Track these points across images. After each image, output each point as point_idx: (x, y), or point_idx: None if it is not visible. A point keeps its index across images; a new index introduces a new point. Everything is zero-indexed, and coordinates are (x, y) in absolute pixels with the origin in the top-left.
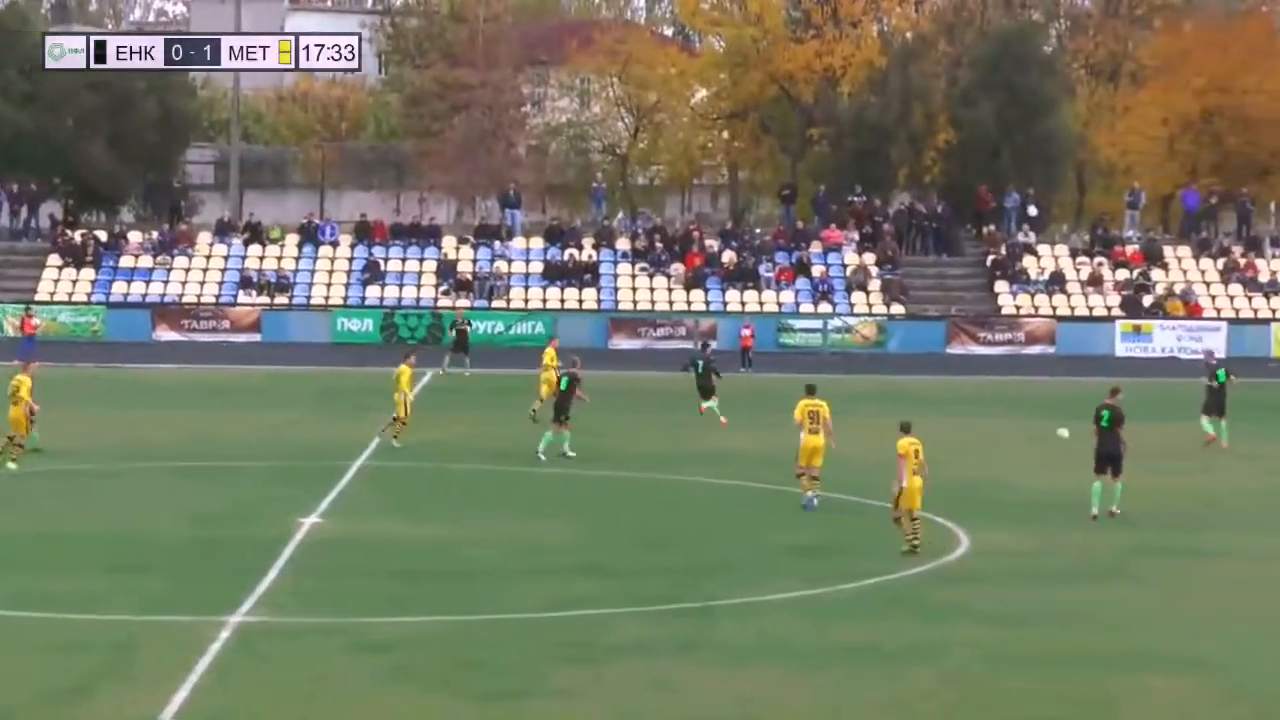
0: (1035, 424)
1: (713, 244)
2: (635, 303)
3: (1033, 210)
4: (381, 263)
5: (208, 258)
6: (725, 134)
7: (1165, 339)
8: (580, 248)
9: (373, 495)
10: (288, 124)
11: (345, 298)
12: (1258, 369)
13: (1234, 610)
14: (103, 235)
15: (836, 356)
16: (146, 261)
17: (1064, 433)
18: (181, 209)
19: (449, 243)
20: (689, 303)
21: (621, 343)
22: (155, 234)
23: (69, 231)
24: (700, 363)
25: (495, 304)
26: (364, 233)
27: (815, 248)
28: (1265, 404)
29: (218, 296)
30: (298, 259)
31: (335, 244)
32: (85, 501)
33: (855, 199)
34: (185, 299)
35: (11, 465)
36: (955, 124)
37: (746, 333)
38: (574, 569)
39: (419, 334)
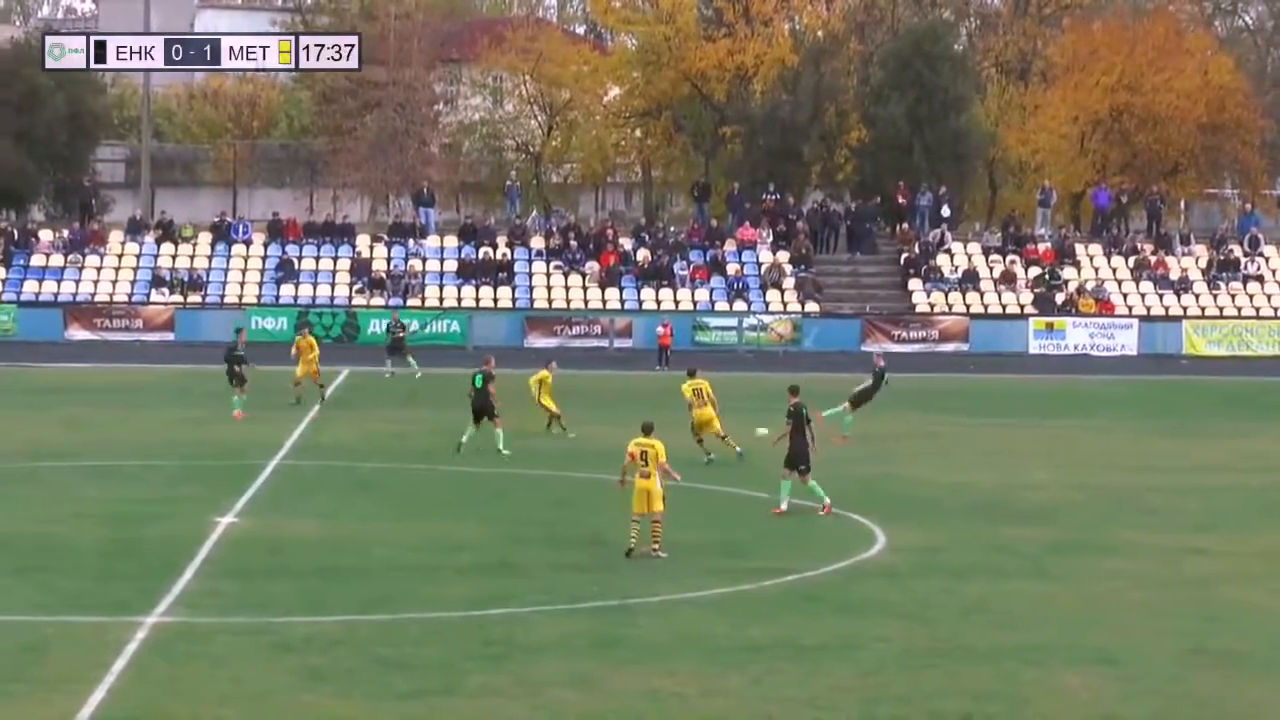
0: (948, 420)
1: (627, 242)
2: (550, 301)
3: (945, 210)
4: (295, 261)
5: (120, 256)
6: (638, 132)
7: (1078, 336)
8: (495, 246)
9: (289, 494)
10: (199, 121)
11: (259, 296)
12: (1171, 367)
13: (1142, 606)
14: (14, 234)
15: (752, 354)
16: (58, 260)
17: (762, 431)
18: (92, 207)
19: (363, 241)
20: (604, 301)
21: (537, 341)
22: (66, 232)
23: None
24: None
25: (410, 302)
26: (277, 231)
27: (730, 246)
28: (1179, 403)
29: (130, 295)
30: (210, 257)
31: (248, 242)
32: None
33: (768, 196)
34: (97, 298)
35: None
36: (867, 122)
37: (663, 330)
38: (490, 567)
39: (333, 332)
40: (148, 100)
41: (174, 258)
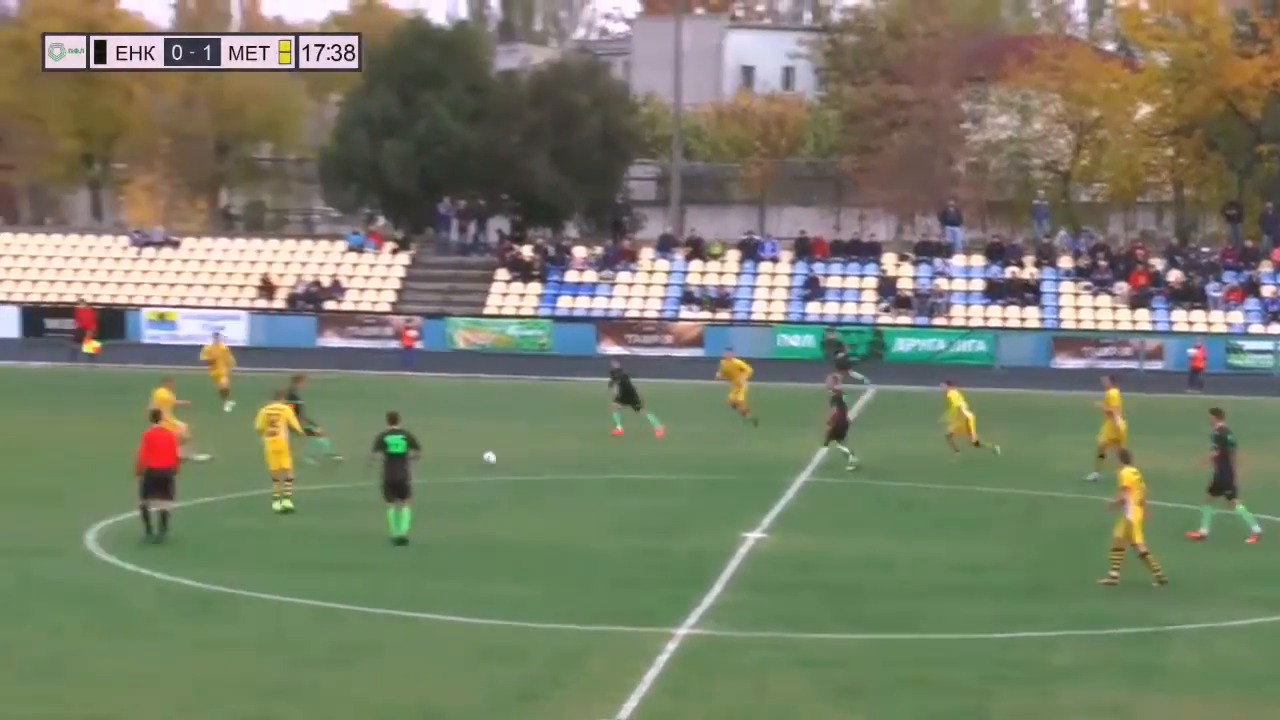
0: None
1: (1158, 262)
2: (1079, 321)
3: None
4: (821, 279)
5: (650, 273)
6: (1170, 150)
7: None
8: (1022, 265)
9: (816, 511)
10: (728, 140)
11: (786, 313)
12: None
13: None
14: (549, 250)
15: None
16: (590, 276)
17: (490, 457)
18: (625, 225)
19: (889, 259)
20: (1134, 322)
21: (1065, 362)
22: (599, 249)
23: (515, 246)
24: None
25: (935, 321)
26: (804, 249)
27: (1266, 267)
28: None
29: (660, 311)
30: (738, 275)
31: (775, 260)
32: (528, 512)
33: None
34: (629, 313)
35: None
36: None
37: (1195, 353)
38: (1015, 589)
39: (859, 350)
40: (678, 119)
41: (703, 274)
